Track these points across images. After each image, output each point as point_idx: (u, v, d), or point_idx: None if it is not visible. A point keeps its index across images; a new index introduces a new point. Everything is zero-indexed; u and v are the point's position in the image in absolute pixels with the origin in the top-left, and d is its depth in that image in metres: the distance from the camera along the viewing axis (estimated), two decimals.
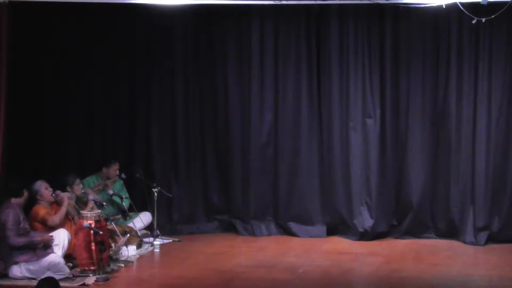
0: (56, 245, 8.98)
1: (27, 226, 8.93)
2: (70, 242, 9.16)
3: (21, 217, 8.89)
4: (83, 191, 10.00)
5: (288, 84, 11.28)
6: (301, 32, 11.17)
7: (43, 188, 9.35)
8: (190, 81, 11.52)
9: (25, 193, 9.07)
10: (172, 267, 9.61)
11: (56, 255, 8.83)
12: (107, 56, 11.26)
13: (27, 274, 8.74)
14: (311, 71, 11.22)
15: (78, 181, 10.00)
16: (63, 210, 9.31)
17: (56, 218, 9.23)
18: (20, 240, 8.75)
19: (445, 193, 10.97)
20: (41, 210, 9.27)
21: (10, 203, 8.92)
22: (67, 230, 9.25)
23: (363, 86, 11.02)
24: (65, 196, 9.42)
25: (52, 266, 8.69)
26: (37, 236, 8.88)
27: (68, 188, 9.83)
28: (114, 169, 10.86)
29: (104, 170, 10.83)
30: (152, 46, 11.43)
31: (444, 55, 10.86)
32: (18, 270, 8.77)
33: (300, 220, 11.32)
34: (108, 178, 10.82)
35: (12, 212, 8.80)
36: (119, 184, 10.97)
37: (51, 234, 9.02)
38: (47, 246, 8.91)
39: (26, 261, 8.76)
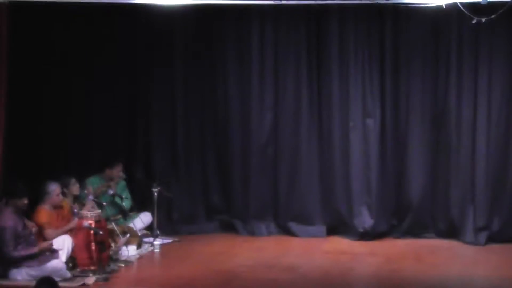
0: (61, 249, 8.98)
1: (28, 232, 8.87)
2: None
3: (21, 225, 8.79)
4: (85, 191, 9.98)
5: (288, 84, 11.28)
6: (301, 32, 11.17)
7: (55, 193, 9.35)
8: (190, 81, 11.52)
9: (25, 200, 8.86)
10: (172, 267, 9.62)
11: (59, 261, 8.80)
12: (107, 55, 11.25)
13: (28, 278, 8.67)
14: (311, 71, 11.22)
15: (73, 181, 9.98)
16: (64, 230, 9.26)
17: (53, 234, 9.17)
18: (18, 254, 8.66)
19: (445, 193, 10.97)
20: (43, 216, 9.25)
21: (8, 211, 8.80)
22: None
23: (363, 86, 11.02)
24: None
25: (54, 272, 8.59)
26: (35, 248, 8.78)
27: (65, 190, 9.79)
28: (117, 170, 10.84)
29: (108, 171, 10.81)
30: (152, 46, 11.43)
31: (444, 55, 10.87)
32: (18, 274, 8.73)
33: (300, 220, 11.33)
34: (111, 179, 10.81)
35: (10, 225, 8.69)
36: (122, 184, 10.97)
37: (52, 242, 9.00)
38: (52, 251, 8.89)
39: (28, 266, 8.72)
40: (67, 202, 9.66)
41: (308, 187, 11.29)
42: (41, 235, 9.17)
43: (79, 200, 10.02)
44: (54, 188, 9.38)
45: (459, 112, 10.82)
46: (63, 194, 9.58)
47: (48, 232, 9.23)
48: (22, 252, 8.69)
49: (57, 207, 9.45)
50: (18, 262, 8.70)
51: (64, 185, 9.77)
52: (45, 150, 11.04)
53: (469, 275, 9.22)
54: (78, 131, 11.31)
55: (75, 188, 9.92)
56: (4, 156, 9.56)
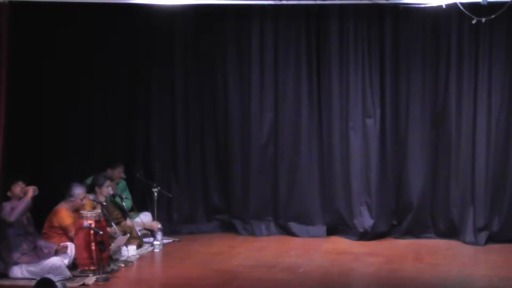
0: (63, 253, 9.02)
1: (29, 229, 8.92)
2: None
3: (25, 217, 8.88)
4: (91, 197, 9.95)
5: (288, 84, 11.28)
6: (301, 32, 11.17)
7: (79, 197, 9.43)
8: (190, 81, 11.52)
9: (21, 185, 8.92)
10: (172, 267, 9.62)
11: (58, 258, 8.82)
12: (107, 55, 11.26)
13: (28, 276, 8.75)
14: (311, 71, 11.22)
15: (108, 183, 10.00)
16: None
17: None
18: (14, 216, 8.71)
19: (445, 193, 10.97)
20: (67, 217, 9.29)
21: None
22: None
23: (363, 86, 11.02)
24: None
25: (53, 269, 8.68)
26: (24, 201, 8.83)
27: (97, 189, 9.88)
28: (118, 171, 10.88)
29: (109, 171, 10.83)
30: (152, 46, 11.43)
31: (444, 55, 10.87)
32: (19, 271, 8.78)
33: (300, 220, 11.33)
34: (112, 180, 10.81)
35: (9, 204, 8.82)
36: (123, 184, 10.99)
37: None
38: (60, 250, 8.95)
39: (27, 263, 8.76)
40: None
41: (308, 187, 11.29)
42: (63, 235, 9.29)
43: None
44: (79, 192, 9.46)
45: (459, 112, 10.82)
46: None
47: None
48: (16, 212, 8.73)
49: (76, 210, 9.47)
50: (19, 250, 8.76)
51: (98, 185, 9.93)
52: (46, 151, 11.04)
53: (469, 275, 9.22)
54: (79, 131, 11.30)
55: (106, 191, 10.03)
56: (4, 156, 9.55)
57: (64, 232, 9.28)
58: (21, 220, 8.85)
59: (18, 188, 8.94)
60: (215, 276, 9.11)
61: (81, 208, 9.48)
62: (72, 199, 9.43)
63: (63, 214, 9.32)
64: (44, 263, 8.73)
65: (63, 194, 9.50)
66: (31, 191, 8.88)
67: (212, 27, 11.36)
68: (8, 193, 8.98)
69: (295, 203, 11.35)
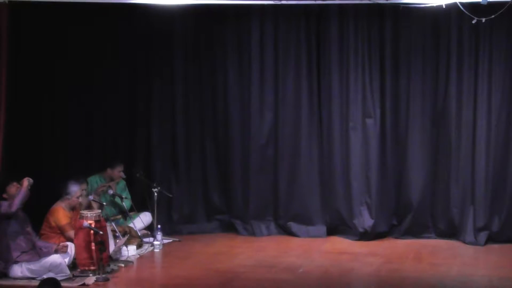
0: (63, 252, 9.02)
1: (27, 228, 8.95)
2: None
3: (22, 216, 8.89)
4: (91, 197, 9.96)
5: (288, 84, 11.28)
6: (301, 32, 11.17)
7: (75, 195, 9.42)
8: (190, 81, 11.52)
9: (15, 185, 8.93)
10: (172, 267, 9.62)
11: (58, 256, 8.82)
12: (107, 55, 11.26)
13: (28, 274, 8.75)
14: (311, 71, 11.22)
15: (84, 185, 9.98)
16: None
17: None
18: (15, 206, 8.70)
19: (445, 193, 10.97)
20: (63, 217, 9.29)
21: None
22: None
23: (363, 86, 11.02)
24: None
25: (54, 267, 8.69)
26: (23, 190, 8.82)
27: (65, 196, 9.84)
28: (118, 171, 10.86)
29: (109, 171, 10.82)
30: (152, 46, 11.42)
31: (444, 55, 10.86)
32: (19, 270, 8.78)
33: (300, 220, 11.32)
34: (112, 179, 10.81)
35: (6, 202, 8.82)
36: (122, 184, 10.98)
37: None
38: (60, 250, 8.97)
39: (27, 261, 8.77)
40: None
41: (308, 187, 11.28)
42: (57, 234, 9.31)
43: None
44: (75, 189, 9.45)
45: (459, 112, 10.82)
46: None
47: (72, 233, 9.21)
48: (16, 202, 8.72)
49: (73, 208, 9.47)
50: (19, 249, 8.77)
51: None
52: (46, 150, 11.05)
53: (469, 275, 9.22)
54: (79, 131, 11.31)
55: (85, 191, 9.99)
56: (4, 156, 9.56)
57: (58, 230, 9.28)
58: (19, 215, 8.83)
59: (13, 188, 8.94)
60: (215, 276, 9.11)
61: (78, 206, 9.48)
62: (68, 197, 9.42)
63: (60, 213, 9.31)
64: (44, 261, 8.73)
65: (61, 194, 9.50)
66: (26, 181, 8.87)
67: (212, 27, 11.36)
68: (4, 195, 8.99)
69: (295, 203, 11.35)
